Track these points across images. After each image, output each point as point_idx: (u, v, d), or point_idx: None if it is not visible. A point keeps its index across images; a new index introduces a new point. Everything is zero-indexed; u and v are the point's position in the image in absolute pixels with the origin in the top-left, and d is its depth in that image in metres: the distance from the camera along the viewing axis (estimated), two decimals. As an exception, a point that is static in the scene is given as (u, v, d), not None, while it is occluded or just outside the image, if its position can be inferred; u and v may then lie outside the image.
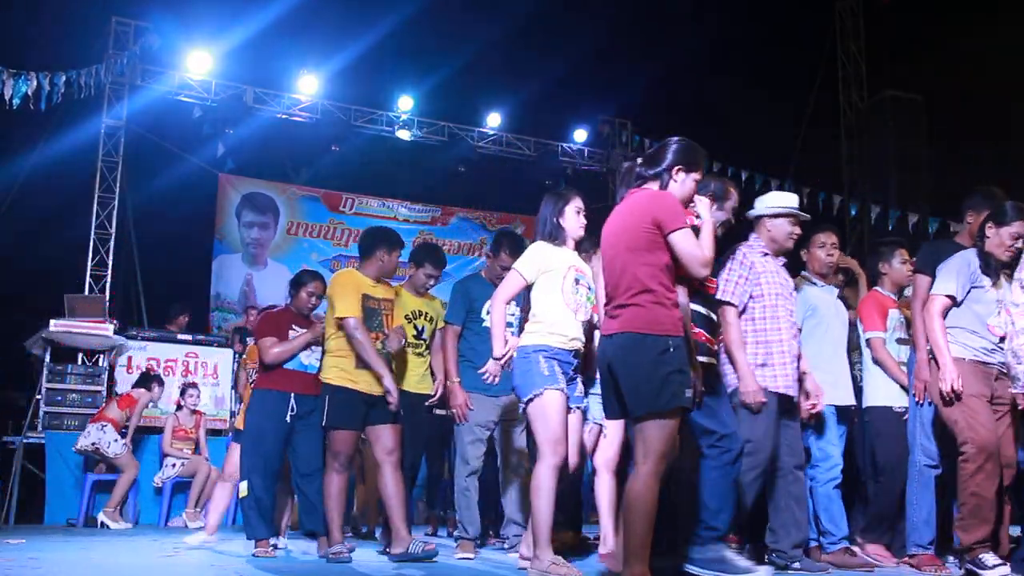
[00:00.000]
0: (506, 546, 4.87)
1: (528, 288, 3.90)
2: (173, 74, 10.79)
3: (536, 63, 12.17)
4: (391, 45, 11.45)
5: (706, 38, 12.62)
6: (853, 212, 12.33)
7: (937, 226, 9.83)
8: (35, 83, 8.92)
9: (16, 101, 8.82)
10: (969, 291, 4.07)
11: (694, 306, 3.47)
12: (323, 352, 4.69)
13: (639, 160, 3.36)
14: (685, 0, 12.74)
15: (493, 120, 12.33)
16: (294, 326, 4.84)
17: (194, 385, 7.71)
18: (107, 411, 7.09)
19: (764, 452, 3.87)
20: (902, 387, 4.59)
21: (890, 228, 10.45)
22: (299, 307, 4.94)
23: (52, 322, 7.73)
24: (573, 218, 3.94)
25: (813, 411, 4.20)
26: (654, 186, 3.26)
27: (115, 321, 8.41)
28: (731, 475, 3.53)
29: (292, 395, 4.71)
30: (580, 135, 12.93)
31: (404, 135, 11.96)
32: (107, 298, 9.47)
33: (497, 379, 4.31)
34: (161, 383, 7.53)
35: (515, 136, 12.52)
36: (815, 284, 4.58)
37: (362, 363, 4.45)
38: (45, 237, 10.18)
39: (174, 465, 7.24)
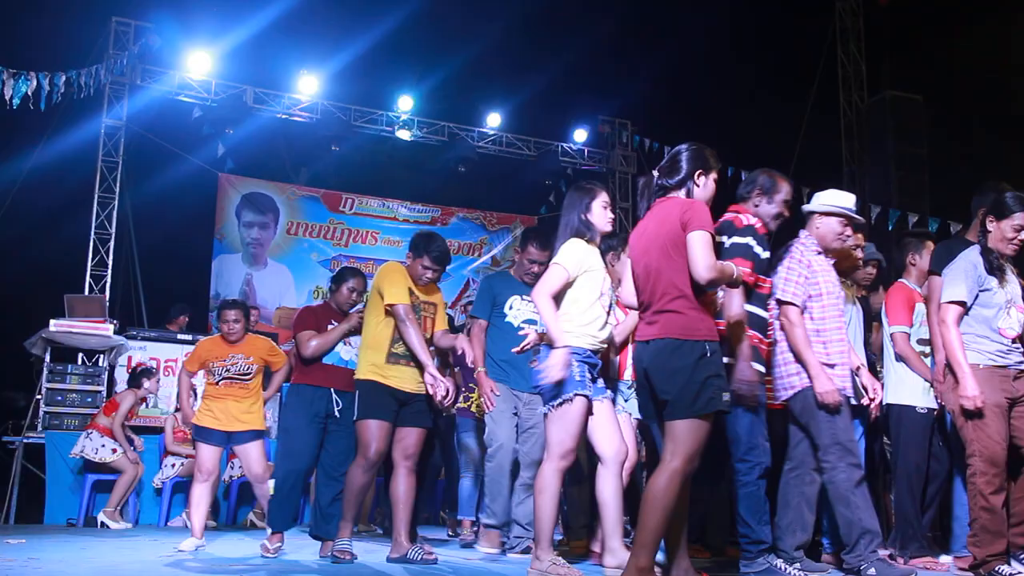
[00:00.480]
0: (507, 547, 4.81)
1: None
2: (173, 74, 10.79)
3: (536, 63, 12.17)
4: (391, 45, 11.45)
5: (706, 38, 12.61)
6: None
7: (937, 226, 9.81)
8: (35, 83, 8.91)
9: (16, 101, 8.82)
10: (977, 295, 3.97)
11: (750, 308, 3.53)
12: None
13: (655, 173, 3.43)
14: (685, 0, 12.74)
15: (493, 120, 12.33)
16: (333, 322, 4.81)
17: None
18: (97, 418, 7.10)
19: (855, 451, 3.77)
20: (927, 382, 4.44)
21: (890, 228, 10.43)
22: (339, 303, 4.92)
23: (52, 322, 7.73)
24: (601, 214, 3.84)
25: (874, 408, 4.14)
26: (679, 194, 3.34)
27: (115, 321, 8.41)
28: (762, 489, 3.53)
29: (332, 391, 4.69)
30: (580, 135, 12.93)
31: (404, 135, 11.96)
32: (107, 298, 9.47)
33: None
34: (150, 375, 7.43)
35: (515, 136, 12.52)
36: (850, 284, 4.53)
37: (394, 359, 4.39)
38: (45, 237, 10.18)
39: (173, 465, 7.23)
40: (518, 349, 3.93)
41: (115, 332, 8.10)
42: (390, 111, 11.87)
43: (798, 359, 3.83)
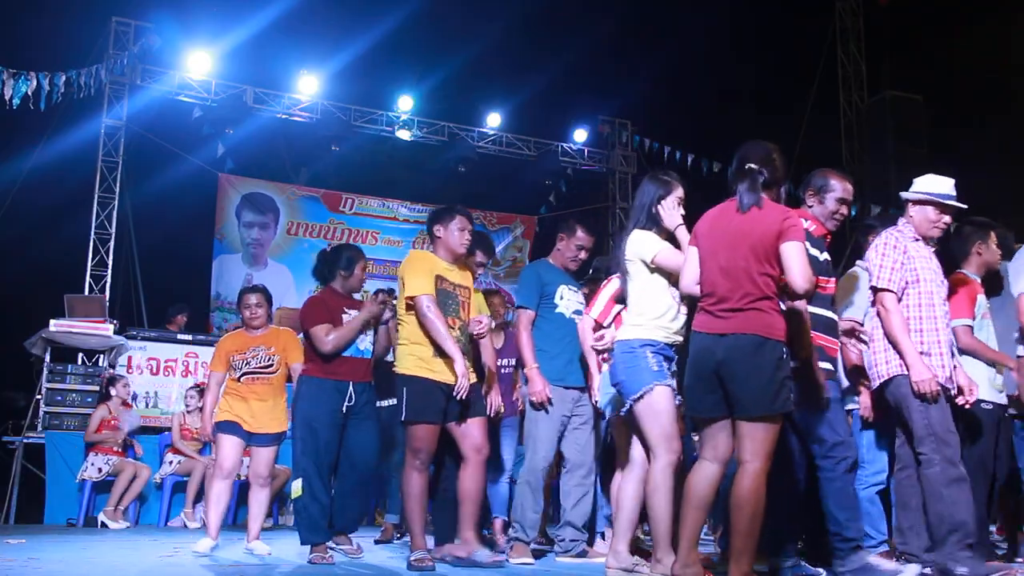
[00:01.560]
0: (557, 549, 4.58)
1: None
2: (173, 74, 10.80)
3: (536, 63, 12.17)
4: (391, 45, 11.46)
5: (706, 38, 12.62)
6: (853, 212, 12.33)
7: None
8: (35, 83, 8.92)
9: (16, 101, 8.82)
10: None
11: (815, 309, 3.49)
12: (377, 339, 4.55)
13: (754, 166, 3.31)
14: (685, 0, 12.75)
15: (493, 120, 12.34)
16: (346, 309, 4.51)
17: (195, 386, 7.69)
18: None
19: (953, 444, 3.59)
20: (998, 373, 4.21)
21: (890, 228, 10.45)
22: (351, 287, 4.62)
23: (52, 322, 7.72)
24: (673, 210, 3.69)
25: (967, 407, 3.92)
26: (768, 195, 3.31)
27: (115, 321, 8.41)
28: (851, 483, 3.47)
29: (351, 384, 4.41)
30: (580, 135, 12.94)
31: (404, 135, 11.96)
32: (107, 298, 9.48)
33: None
34: (114, 383, 7.32)
35: (515, 136, 12.52)
36: None
37: (440, 351, 4.08)
38: (45, 237, 10.18)
39: (171, 463, 7.24)
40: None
41: (115, 332, 8.10)
42: (390, 111, 11.87)
43: (894, 347, 3.71)
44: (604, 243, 10.44)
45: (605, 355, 3.89)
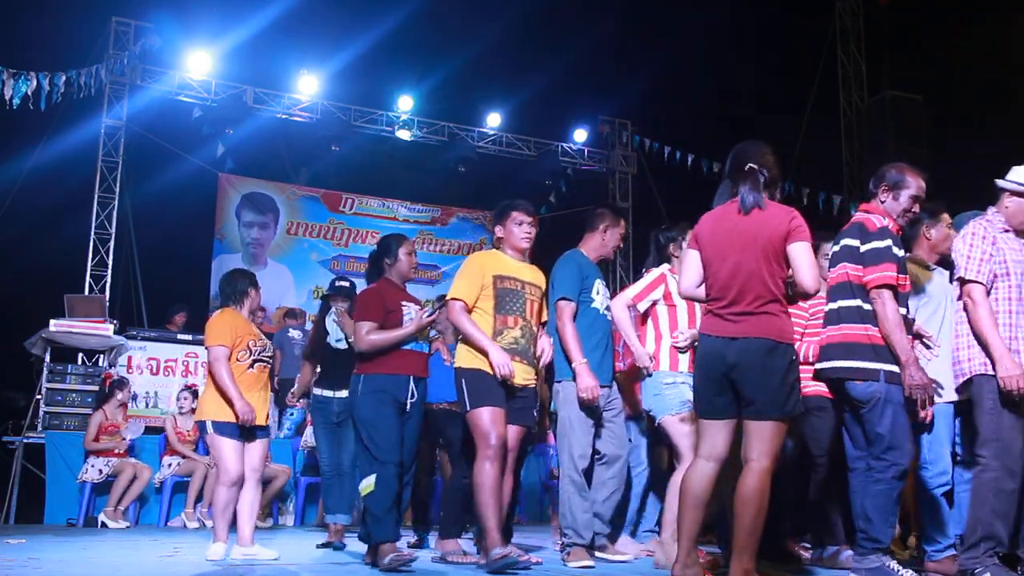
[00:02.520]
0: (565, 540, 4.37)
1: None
2: (173, 74, 10.80)
3: (536, 63, 12.17)
4: (391, 45, 11.45)
5: (706, 38, 12.61)
6: (853, 212, 12.32)
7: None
8: (35, 83, 8.92)
9: (16, 101, 8.82)
10: None
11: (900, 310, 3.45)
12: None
13: (754, 166, 3.28)
14: (685, 0, 12.74)
15: (493, 120, 12.34)
16: (404, 303, 4.33)
17: (186, 388, 7.68)
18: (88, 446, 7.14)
19: (1015, 454, 3.50)
20: None
21: (890, 228, 10.44)
22: (402, 273, 4.44)
23: (52, 322, 7.73)
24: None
25: None
26: (767, 194, 3.29)
27: (115, 321, 8.41)
28: (896, 490, 3.41)
29: (411, 378, 4.23)
30: (580, 135, 12.94)
31: (404, 135, 11.97)
32: (107, 298, 9.48)
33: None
34: (122, 386, 7.31)
35: (515, 136, 12.52)
36: (929, 267, 4.12)
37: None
38: (45, 237, 10.17)
39: (170, 465, 7.24)
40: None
41: (115, 332, 8.10)
42: (390, 111, 11.87)
43: (979, 340, 3.60)
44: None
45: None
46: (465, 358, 4.10)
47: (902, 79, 12.48)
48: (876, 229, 3.51)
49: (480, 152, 12.31)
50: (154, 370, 8.49)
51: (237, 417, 4.37)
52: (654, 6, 12.62)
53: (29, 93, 8.90)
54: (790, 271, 3.19)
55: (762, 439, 3.10)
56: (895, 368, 3.39)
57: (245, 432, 4.46)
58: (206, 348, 4.53)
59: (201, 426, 4.50)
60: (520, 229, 4.29)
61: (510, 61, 12.41)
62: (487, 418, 3.95)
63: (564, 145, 12.84)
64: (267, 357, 4.64)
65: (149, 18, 10.59)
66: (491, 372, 3.99)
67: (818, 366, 3.59)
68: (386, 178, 12.59)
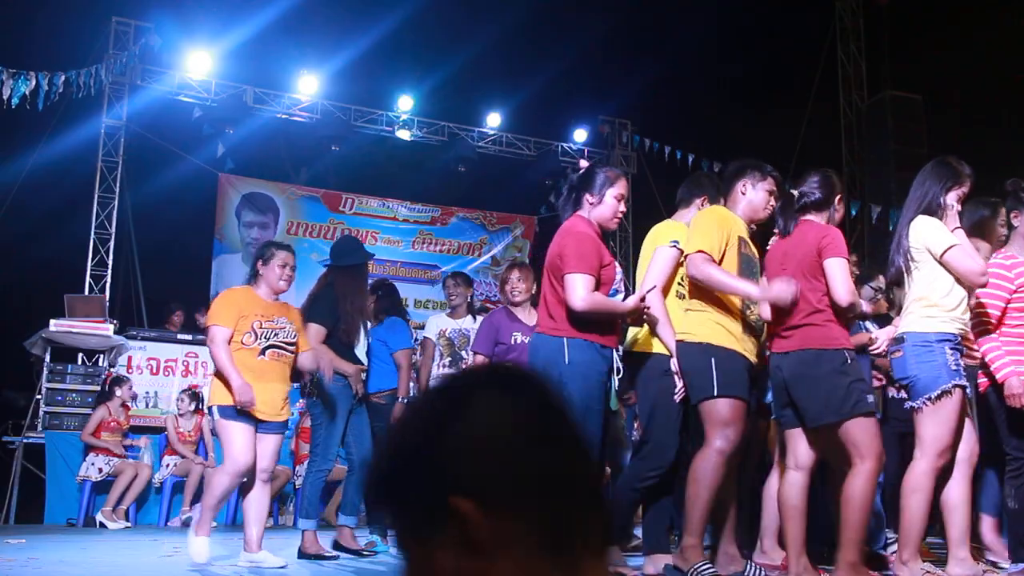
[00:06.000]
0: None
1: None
2: (173, 74, 10.79)
3: (536, 63, 12.17)
4: (390, 45, 11.45)
5: (706, 38, 12.62)
6: (853, 212, 12.33)
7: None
8: (34, 83, 8.92)
9: (15, 101, 8.82)
10: None
11: None
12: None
13: (798, 191, 3.53)
14: (684, 0, 12.74)
15: (493, 120, 12.33)
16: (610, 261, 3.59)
17: (186, 390, 7.67)
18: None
19: None
20: None
21: (890, 228, 10.43)
22: (606, 221, 3.59)
23: (52, 322, 7.73)
24: (954, 204, 3.47)
25: None
26: (816, 217, 3.49)
27: (115, 321, 8.41)
28: None
29: (614, 351, 3.58)
30: (580, 135, 12.93)
31: (404, 135, 11.96)
32: (107, 298, 9.48)
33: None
34: (120, 384, 7.32)
35: (515, 136, 12.52)
36: None
37: (749, 328, 3.52)
38: (45, 237, 10.17)
39: (168, 465, 7.25)
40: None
41: (115, 332, 8.11)
42: (390, 111, 11.87)
43: None
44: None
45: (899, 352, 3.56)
46: (717, 334, 3.45)
47: (902, 79, 12.48)
48: None
49: (480, 152, 12.30)
50: (154, 370, 8.49)
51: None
52: (654, 6, 12.63)
53: (27, 93, 8.90)
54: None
55: (854, 443, 3.22)
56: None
57: (249, 418, 3.97)
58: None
59: (209, 413, 4.15)
60: (768, 199, 3.68)
61: (510, 61, 12.42)
62: (737, 410, 3.40)
63: (564, 145, 12.84)
64: (285, 343, 4.07)
65: (149, 18, 10.58)
66: (744, 356, 3.45)
67: None
68: (386, 178, 12.59)
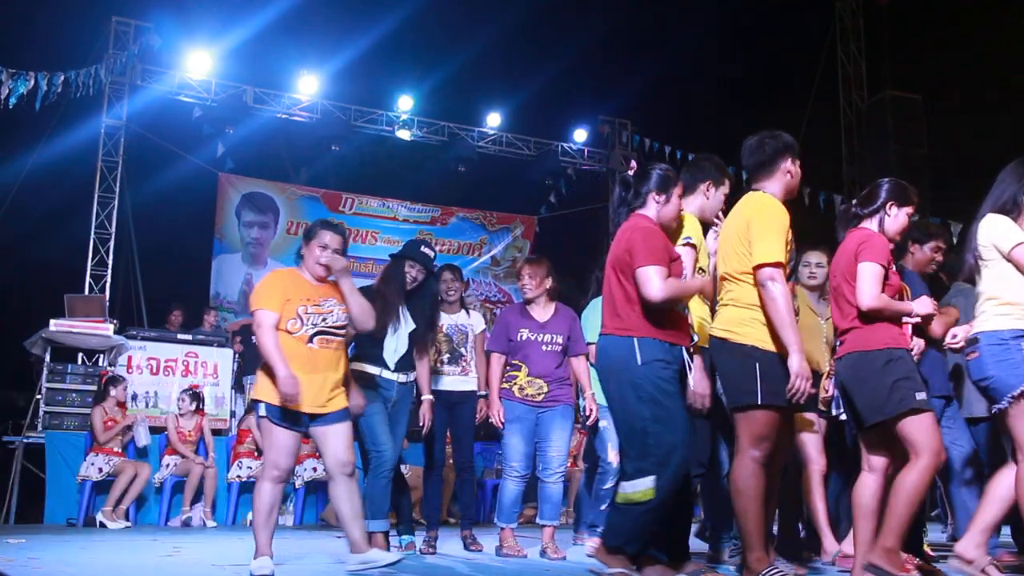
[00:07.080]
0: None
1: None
2: (173, 74, 10.80)
3: (536, 63, 12.18)
4: (391, 45, 11.47)
5: (706, 38, 12.62)
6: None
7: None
8: (33, 83, 8.92)
9: (12, 101, 8.82)
10: None
11: None
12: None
13: (854, 202, 3.62)
14: (684, 0, 12.75)
15: (493, 120, 12.34)
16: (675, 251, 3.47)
17: (187, 390, 7.67)
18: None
19: None
20: None
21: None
22: (669, 220, 3.51)
23: (52, 322, 7.72)
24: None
25: None
26: (870, 223, 3.53)
27: (115, 321, 8.41)
28: None
29: (683, 349, 3.40)
30: (580, 135, 12.93)
31: (404, 135, 11.97)
32: (107, 298, 9.48)
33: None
34: (115, 383, 7.28)
35: (515, 136, 12.52)
36: None
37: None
38: (45, 237, 10.18)
39: (168, 465, 7.25)
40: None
41: (115, 332, 8.10)
42: (390, 111, 11.88)
43: None
44: (603, 243, 10.43)
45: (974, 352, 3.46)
46: (757, 335, 3.32)
47: (902, 79, 12.49)
48: None
49: (480, 152, 12.31)
50: (154, 370, 8.48)
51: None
52: (654, 6, 12.63)
53: (25, 93, 8.89)
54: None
55: (907, 442, 3.24)
56: None
57: (297, 419, 3.60)
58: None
59: (255, 408, 3.70)
60: (793, 177, 3.67)
61: (510, 61, 12.43)
62: (774, 422, 3.32)
63: (564, 145, 12.84)
64: (334, 328, 3.70)
65: (149, 18, 10.59)
66: (780, 354, 3.30)
67: None
68: (386, 178, 12.60)
